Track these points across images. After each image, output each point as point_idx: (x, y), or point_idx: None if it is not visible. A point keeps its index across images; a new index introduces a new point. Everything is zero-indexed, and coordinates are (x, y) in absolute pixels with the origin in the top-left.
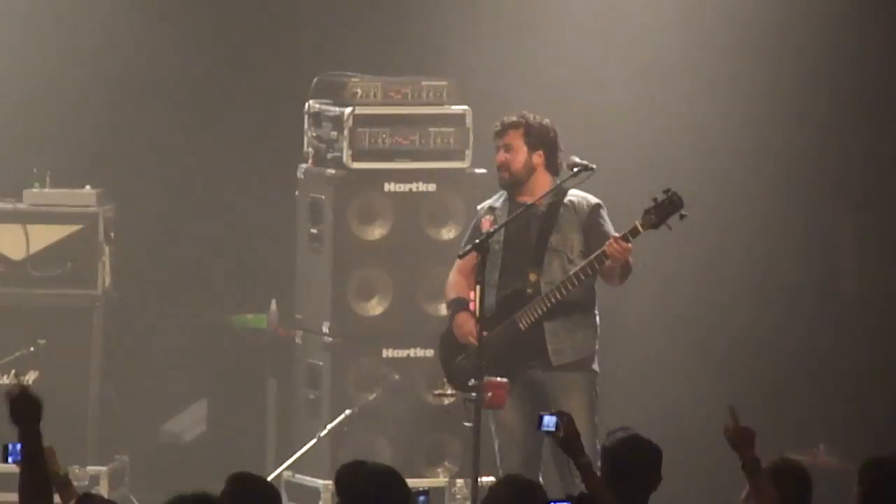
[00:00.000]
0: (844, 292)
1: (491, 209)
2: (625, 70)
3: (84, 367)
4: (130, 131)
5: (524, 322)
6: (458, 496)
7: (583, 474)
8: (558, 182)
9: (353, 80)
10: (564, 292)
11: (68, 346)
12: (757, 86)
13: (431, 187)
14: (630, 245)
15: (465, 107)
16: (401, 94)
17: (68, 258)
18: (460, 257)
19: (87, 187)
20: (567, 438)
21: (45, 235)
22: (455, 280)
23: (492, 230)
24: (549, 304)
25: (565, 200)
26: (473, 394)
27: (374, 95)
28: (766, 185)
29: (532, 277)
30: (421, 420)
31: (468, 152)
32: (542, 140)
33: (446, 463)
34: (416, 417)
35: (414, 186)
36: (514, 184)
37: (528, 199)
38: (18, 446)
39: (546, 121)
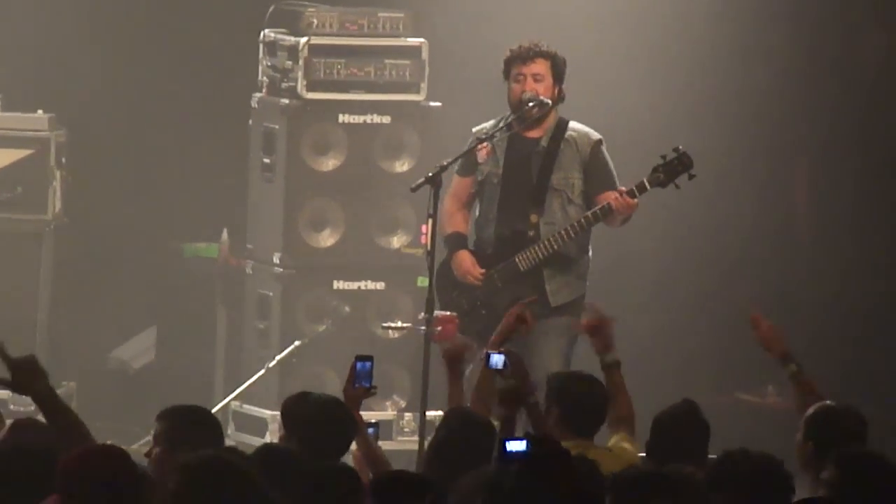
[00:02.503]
0: (799, 237)
1: (490, 137)
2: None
3: (32, 292)
4: (83, 56)
5: (524, 264)
6: (406, 429)
7: (529, 413)
8: (515, 115)
9: (310, 9)
10: (567, 239)
11: (17, 271)
12: (722, 28)
13: (386, 119)
14: (636, 201)
15: (422, 39)
16: (357, 24)
17: (18, 182)
18: (413, 189)
19: (39, 112)
20: (515, 376)
21: None
22: (451, 211)
23: (486, 160)
24: (550, 250)
25: (566, 136)
26: (422, 326)
27: (330, 26)
28: (727, 131)
29: (533, 219)
30: (370, 352)
31: (423, 85)
32: (562, 74)
33: (395, 396)
34: (365, 350)
35: (368, 118)
36: (538, 116)
37: (533, 134)
38: None
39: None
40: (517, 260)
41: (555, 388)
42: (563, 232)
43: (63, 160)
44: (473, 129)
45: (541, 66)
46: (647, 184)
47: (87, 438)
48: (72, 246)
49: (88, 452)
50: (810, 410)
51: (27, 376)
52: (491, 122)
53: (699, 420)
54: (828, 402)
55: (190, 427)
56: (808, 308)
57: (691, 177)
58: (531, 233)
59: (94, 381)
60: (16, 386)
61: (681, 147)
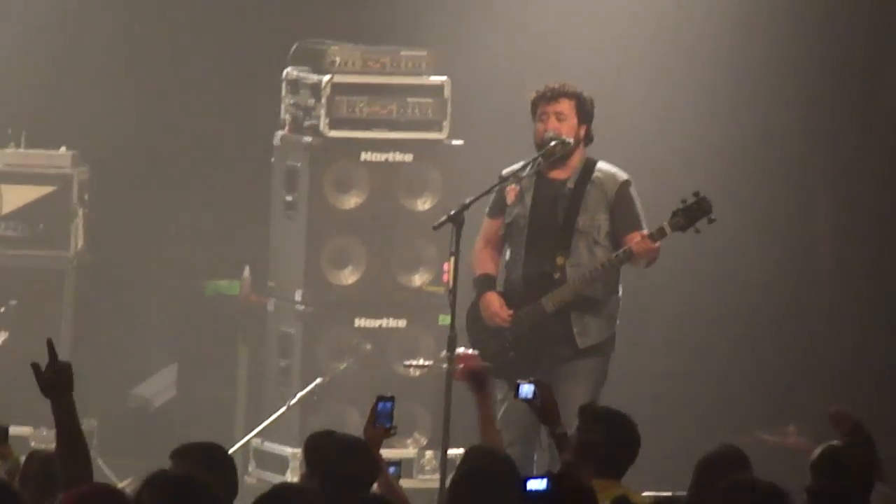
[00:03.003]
0: (823, 279)
1: (516, 178)
2: (611, 43)
3: (55, 328)
4: (107, 94)
5: (551, 306)
6: (427, 468)
7: (557, 444)
8: (539, 155)
9: (332, 48)
10: (591, 280)
11: (39, 308)
12: (743, 67)
13: (408, 157)
14: (658, 245)
15: (444, 77)
16: (379, 63)
17: (41, 219)
18: (435, 228)
19: (63, 149)
20: (544, 407)
21: (18, 196)
22: (481, 253)
23: (514, 202)
24: (576, 292)
25: (592, 177)
26: (444, 364)
27: (353, 64)
28: (748, 173)
29: (559, 261)
30: (391, 390)
31: (446, 123)
32: (589, 114)
33: (416, 434)
34: (387, 388)
35: (390, 156)
36: (562, 156)
37: (560, 175)
38: None
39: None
40: (543, 302)
41: (588, 422)
42: (588, 274)
43: (86, 197)
44: (503, 172)
45: (565, 106)
46: (666, 228)
47: (88, 466)
48: (94, 283)
49: (88, 493)
50: (815, 452)
51: (61, 379)
52: (520, 164)
53: (744, 462)
54: (833, 442)
55: (204, 467)
56: (828, 350)
57: (711, 221)
58: (557, 275)
59: (115, 418)
60: (46, 383)
61: (700, 192)
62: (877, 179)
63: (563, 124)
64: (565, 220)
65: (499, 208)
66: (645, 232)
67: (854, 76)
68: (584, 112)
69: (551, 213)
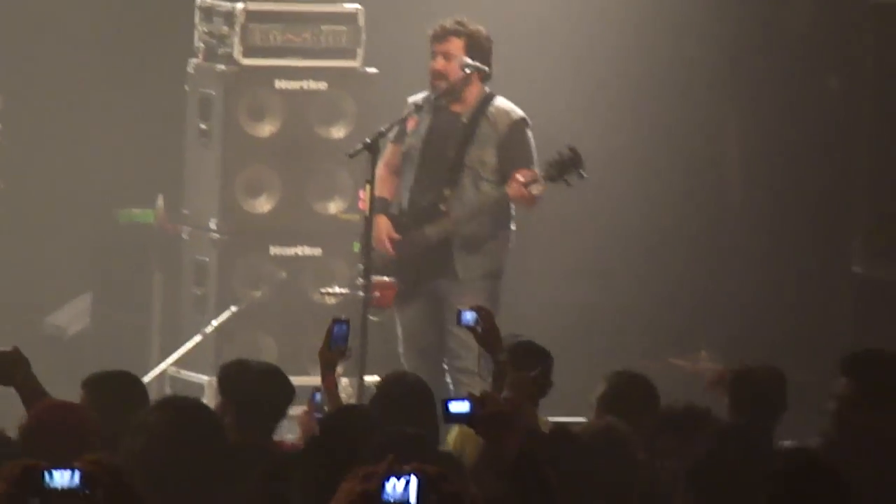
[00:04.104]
0: (731, 202)
1: (416, 108)
2: None
3: None
4: (15, 23)
5: (434, 237)
6: (344, 395)
7: (496, 369)
8: (452, 83)
9: None
10: (471, 218)
11: None
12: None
13: (322, 86)
14: (532, 193)
15: (358, 5)
16: None
17: None
18: (350, 156)
19: None
20: (486, 333)
21: None
22: (381, 176)
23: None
24: (456, 225)
25: (487, 112)
26: (360, 292)
27: None
28: (656, 101)
29: (446, 192)
30: (307, 318)
31: (360, 51)
32: (481, 50)
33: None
34: (302, 315)
35: (305, 84)
36: (449, 92)
37: (458, 109)
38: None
39: (483, 29)
40: (427, 232)
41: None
42: (468, 210)
43: None
44: (409, 99)
45: (453, 45)
46: (540, 179)
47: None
48: (7, 212)
49: (46, 412)
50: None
51: (9, 368)
52: (425, 93)
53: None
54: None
55: (115, 394)
56: (738, 271)
57: (581, 177)
58: (443, 207)
59: (28, 346)
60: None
61: (574, 147)
62: (786, 104)
63: (449, 63)
64: (455, 154)
65: (401, 135)
66: (520, 178)
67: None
68: (473, 48)
69: (443, 145)
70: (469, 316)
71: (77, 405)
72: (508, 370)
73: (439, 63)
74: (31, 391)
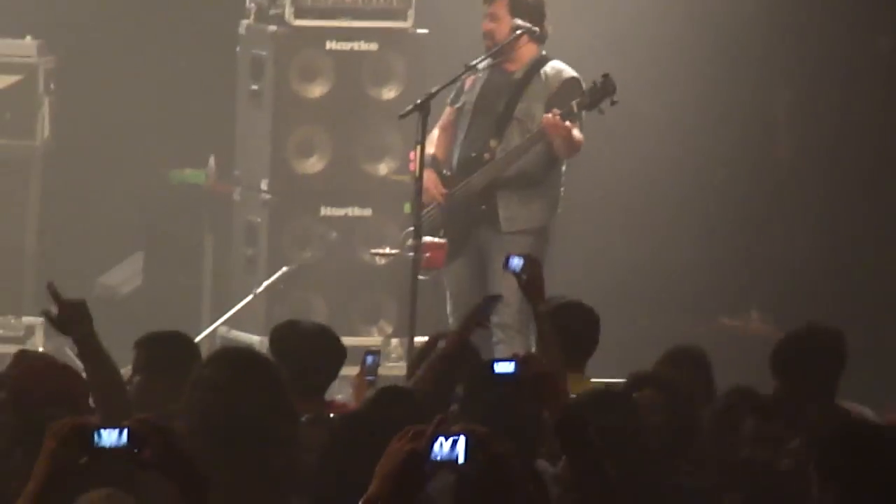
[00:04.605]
0: (781, 162)
1: (472, 68)
2: None
3: (21, 217)
4: None
5: (477, 183)
6: (394, 355)
7: (538, 321)
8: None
9: None
10: (513, 159)
11: (4, 198)
12: None
13: (373, 46)
14: (567, 124)
15: None
16: None
17: (7, 108)
18: (401, 116)
19: (28, 38)
20: (529, 283)
21: None
22: (435, 136)
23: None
24: (499, 169)
25: (541, 71)
26: (410, 253)
27: None
28: (707, 63)
29: (492, 143)
30: (357, 279)
31: (411, 12)
32: (528, 10)
33: (381, 322)
34: (353, 276)
35: (356, 45)
36: (499, 52)
37: (511, 68)
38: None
39: None
40: (472, 181)
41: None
42: (510, 153)
43: (52, 86)
44: (469, 63)
45: (497, 7)
46: (574, 106)
47: (121, 387)
48: (60, 172)
49: (39, 366)
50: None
51: (74, 317)
52: (481, 57)
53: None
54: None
55: (168, 354)
56: (790, 232)
57: (613, 102)
58: (487, 156)
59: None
60: (61, 324)
61: (608, 74)
62: (836, 65)
63: (496, 24)
64: (505, 108)
65: (457, 96)
66: (556, 111)
67: None
68: (518, 9)
69: (495, 100)
70: (516, 262)
71: (66, 367)
72: (548, 324)
73: (487, 24)
74: (90, 349)
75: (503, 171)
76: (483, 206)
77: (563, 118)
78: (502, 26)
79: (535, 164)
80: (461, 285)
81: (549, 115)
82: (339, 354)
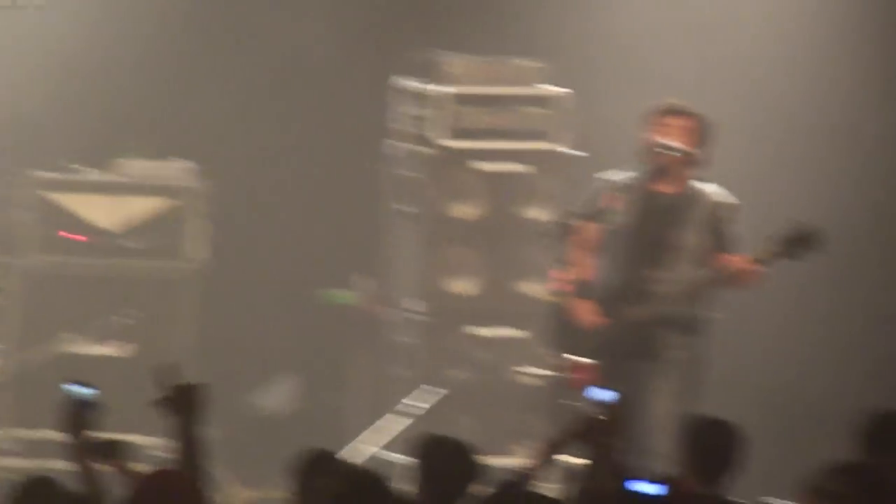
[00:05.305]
0: None
1: (618, 186)
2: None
3: (176, 338)
4: (224, 106)
5: (641, 317)
6: (542, 475)
7: (598, 456)
8: (648, 165)
9: (449, 57)
10: (684, 297)
11: (160, 318)
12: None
13: (523, 167)
14: (759, 270)
15: (561, 88)
16: (495, 73)
17: (162, 230)
18: (547, 236)
19: (181, 160)
20: (610, 421)
21: (139, 207)
22: (578, 256)
23: (615, 210)
24: (668, 306)
25: (696, 195)
26: (559, 373)
27: (469, 74)
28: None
29: (655, 274)
30: (506, 399)
31: (562, 134)
32: (707, 136)
33: (530, 442)
34: (502, 396)
35: (505, 166)
36: (662, 171)
37: (667, 189)
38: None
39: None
40: (634, 313)
41: (684, 432)
42: (683, 292)
43: (205, 208)
44: (598, 176)
45: (684, 121)
46: (771, 255)
47: (206, 475)
48: (215, 293)
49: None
50: None
51: (187, 399)
52: (620, 171)
53: None
54: None
55: (321, 473)
56: None
57: (817, 252)
58: (651, 287)
59: (235, 426)
60: (172, 405)
61: (806, 222)
62: None
63: (682, 137)
64: (665, 235)
65: (595, 212)
66: (749, 256)
67: None
68: (701, 133)
69: (651, 225)
70: (604, 394)
71: (186, 476)
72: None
73: (663, 137)
74: (189, 436)
75: (671, 304)
76: (642, 335)
77: (757, 264)
78: (683, 140)
79: (698, 296)
80: None
81: (741, 262)
82: (475, 472)
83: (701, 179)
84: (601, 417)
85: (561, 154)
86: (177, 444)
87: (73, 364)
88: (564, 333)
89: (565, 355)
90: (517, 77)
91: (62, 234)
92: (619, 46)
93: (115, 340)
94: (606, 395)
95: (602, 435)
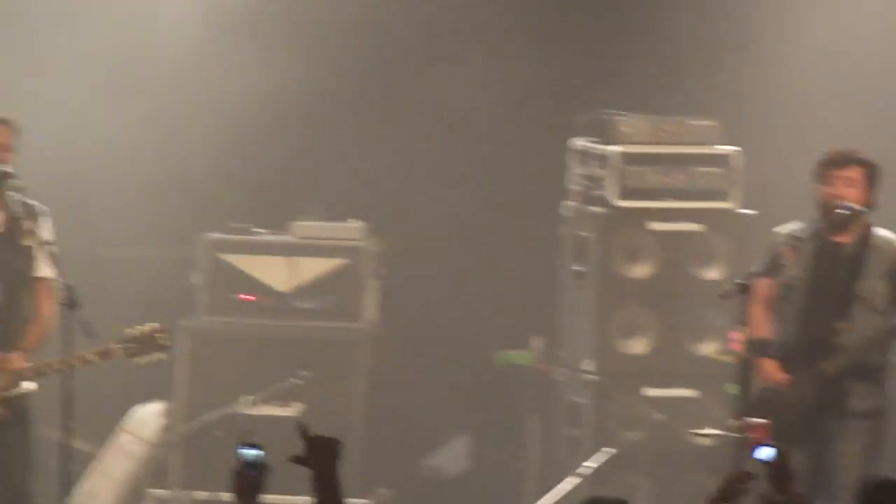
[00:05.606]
0: None
1: (795, 239)
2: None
3: (348, 399)
4: (398, 165)
5: (831, 373)
6: None
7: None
8: (826, 221)
9: (621, 118)
10: (871, 348)
11: (332, 379)
12: None
13: (697, 227)
14: None
15: (733, 147)
16: (668, 133)
17: (334, 291)
18: (722, 297)
19: (353, 220)
20: (780, 468)
21: (311, 268)
22: (757, 314)
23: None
24: (855, 358)
25: (872, 242)
26: (734, 433)
27: (641, 134)
28: None
29: (838, 326)
30: (682, 460)
31: (735, 193)
32: (878, 180)
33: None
34: (677, 457)
35: (680, 226)
36: (838, 223)
37: (841, 239)
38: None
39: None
40: (822, 368)
41: (861, 494)
42: (868, 340)
43: (377, 268)
44: (776, 230)
45: (855, 172)
46: None
47: None
48: (386, 354)
49: None
50: None
51: (322, 452)
52: (795, 224)
53: None
54: None
55: None
56: None
57: None
58: (836, 341)
59: (409, 488)
60: (308, 459)
61: None
62: None
63: (851, 190)
64: (845, 286)
65: (774, 268)
66: None
67: None
68: (872, 179)
69: (830, 277)
70: (768, 452)
71: None
72: None
73: (841, 189)
74: (327, 487)
75: (858, 355)
76: (830, 388)
77: None
78: (860, 193)
79: (884, 346)
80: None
81: None
82: None
83: (871, 224)
84: (750, 475)
85: (732, 213)
86: (316, 497)
87: (243, 425)
88: (748, 394)
89: (745, 416)
90: (690, 136)
91: (241, 297)
92: (784, 101)
93: (286, 401)
94: (768, 454)
95: (745, 493)
